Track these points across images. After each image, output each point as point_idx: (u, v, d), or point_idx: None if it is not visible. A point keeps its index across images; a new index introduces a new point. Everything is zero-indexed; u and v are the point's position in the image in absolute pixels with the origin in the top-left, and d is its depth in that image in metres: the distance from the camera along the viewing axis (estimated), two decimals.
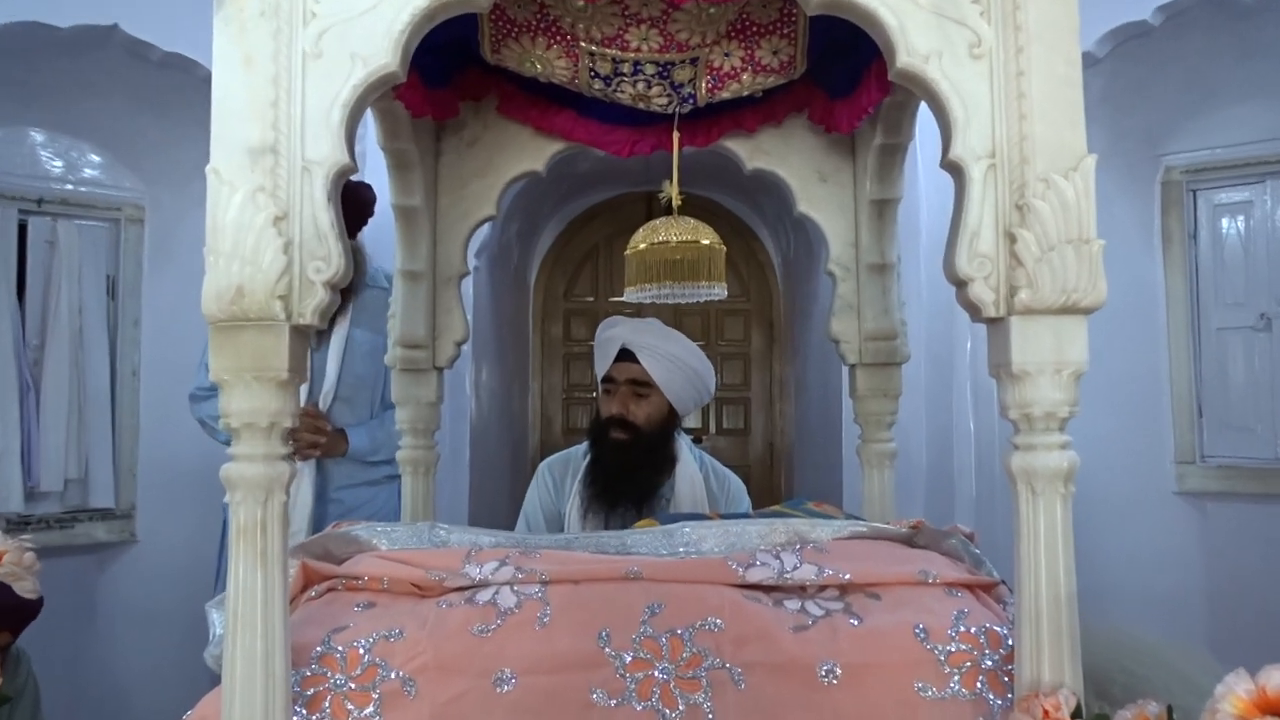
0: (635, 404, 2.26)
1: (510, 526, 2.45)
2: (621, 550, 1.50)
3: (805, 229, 4.63)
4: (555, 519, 2.34)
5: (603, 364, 2.30)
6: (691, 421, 6.10)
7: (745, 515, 1.76)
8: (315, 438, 2.56)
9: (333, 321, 2.54)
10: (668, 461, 2.31)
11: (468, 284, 3.67)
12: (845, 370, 2.17)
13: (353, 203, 2.57)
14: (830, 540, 1.51)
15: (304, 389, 2.58)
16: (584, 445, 2.38)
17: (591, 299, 6.26)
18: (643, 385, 2.25)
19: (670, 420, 2.30)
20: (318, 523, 2.54)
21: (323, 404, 2.59)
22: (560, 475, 2.39)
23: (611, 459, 2.25)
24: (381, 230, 2.63)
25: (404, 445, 2.09)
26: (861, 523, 1.60)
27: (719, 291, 1.96)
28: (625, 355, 2.26)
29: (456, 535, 1.54)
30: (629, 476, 2.23)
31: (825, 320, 2.11)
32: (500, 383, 5.09)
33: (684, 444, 2.37)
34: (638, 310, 5.72)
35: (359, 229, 2.74)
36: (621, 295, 2.05)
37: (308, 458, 2.55)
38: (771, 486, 6.08)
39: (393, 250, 2.07)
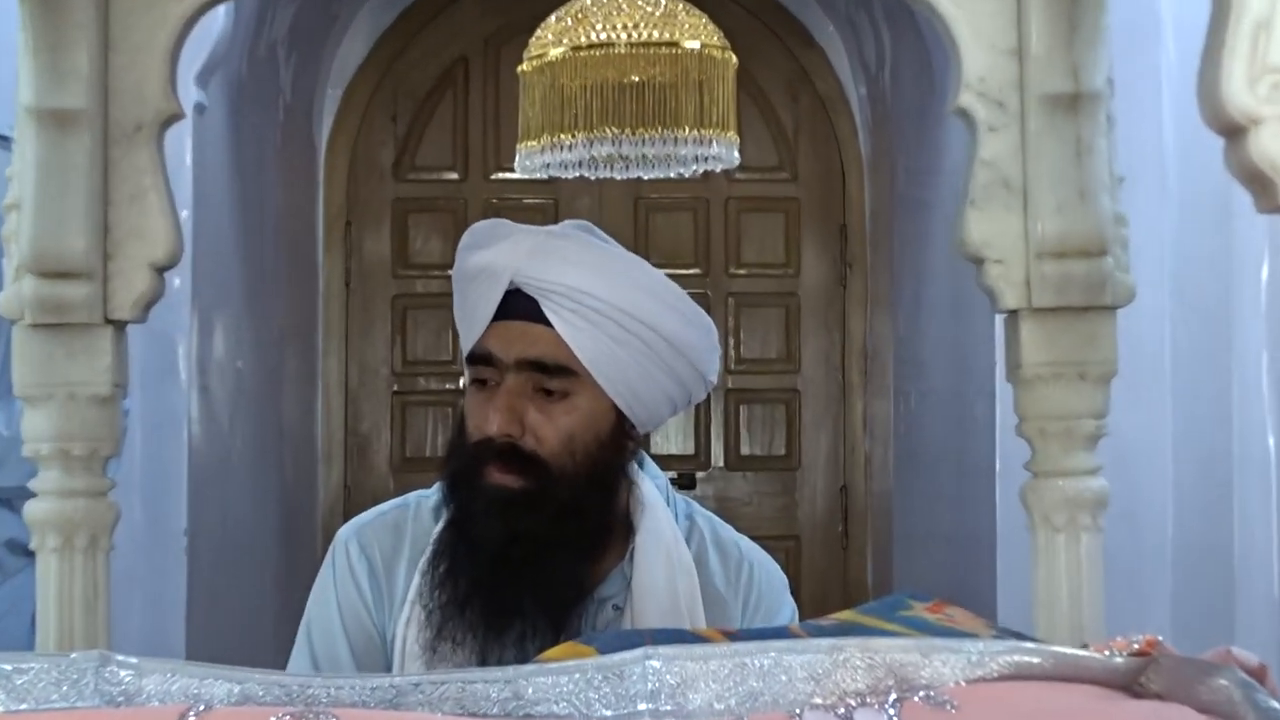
0: (538, 411, 2.26)
1: (277, 659, 2.46)
2: (514, 708, 1.51)
3: (913, 25, 4.64)
4: (372, 644, 2.36)
5: (471, 325, 2.30)
6: (670, 443, 6.15)
7: (782, 633, 1.79)
8: None
9: None
10: (615, 529, 2.35)
11: (180, 141, 3.67)
12: (999, 323, 2.20)
13: None
14: (962, 684, 1.53)
15: None
16: (432, 492, 2.41)
17: (454, 176, 6.27)
18: (554, 371, 2.25)
19: (618, 442, 2.32)
20: None
21: None
22: (386, 555, 2.40)
23: (491, 526, 2.26)
24: None
25: (39, 489, 2.10)
26: (1029, 645, 1.62)
27: (723, 153, 1.96)
28: (516, 305, 2.25)
29: (157, 680, 1.53)
30: (528, 565, 2.25)
31: (956, 215, 2.14)
32: (257, 358, 5.11)
33: (652, 490, 2.40)
34: (553, 203, 5.72)
35: None
36: (514, 167, 2.05)
37: None
38: (845, 574, 6.17)
39: (10, 75, 2.06)
